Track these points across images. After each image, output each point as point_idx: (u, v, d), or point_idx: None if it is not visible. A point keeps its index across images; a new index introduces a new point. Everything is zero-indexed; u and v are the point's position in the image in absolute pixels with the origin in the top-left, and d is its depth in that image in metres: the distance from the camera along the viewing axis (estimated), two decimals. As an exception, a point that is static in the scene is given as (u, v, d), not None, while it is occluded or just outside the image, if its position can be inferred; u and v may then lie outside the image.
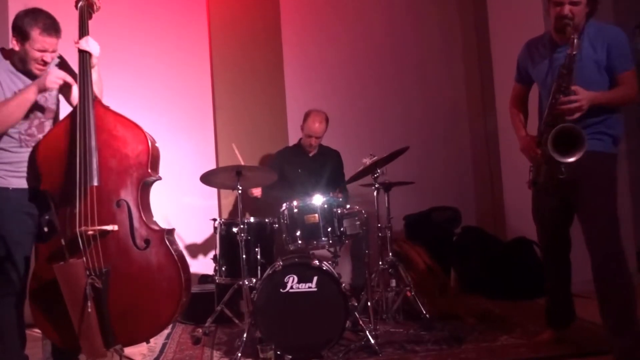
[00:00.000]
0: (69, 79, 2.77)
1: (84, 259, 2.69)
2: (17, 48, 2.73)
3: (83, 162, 2.74)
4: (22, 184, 2.79)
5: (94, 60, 2.87)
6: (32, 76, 2.79)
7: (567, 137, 2.56)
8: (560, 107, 2.60)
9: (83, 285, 2.63)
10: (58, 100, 2.96)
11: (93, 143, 2.77)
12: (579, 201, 2.75)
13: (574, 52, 2.54)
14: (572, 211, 2.86)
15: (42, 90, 2.74)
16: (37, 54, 2.72)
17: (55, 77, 2.73)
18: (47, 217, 2.73)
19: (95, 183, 2.75)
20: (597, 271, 2.67)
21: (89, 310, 2.62)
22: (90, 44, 2.86)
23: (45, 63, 2.76)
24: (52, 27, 2.72)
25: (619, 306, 2.63)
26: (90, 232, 2.72)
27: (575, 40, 2.53)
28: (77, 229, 2.70)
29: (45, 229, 2.73)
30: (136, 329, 2.80)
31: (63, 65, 2.97)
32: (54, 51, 2.77)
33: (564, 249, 2.99)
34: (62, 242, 2.65)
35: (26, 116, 2.77)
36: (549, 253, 3.07)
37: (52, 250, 2.75)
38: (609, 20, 4.43)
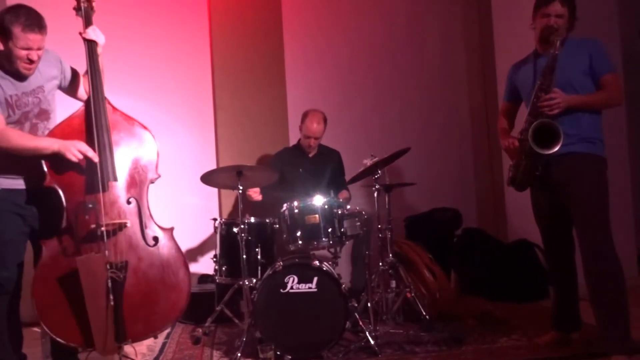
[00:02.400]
0: (91, 154, 2.73)
1: (106, 252, 2.72)
2: (1, 47, 2.63)
3: (102, 158, 2.76)
4: (12, 184, 2.75)
5: (99, 50, 2.87)
6: (21, 77, 2.71)
7: (546, 132, 2.75)
8: (541, 103, 2.78)
9: (104, 279, 2.67)
10: (54, 100, 2.93)
11: (107, 139, 2.79)
12: (571, 201, 2.84)
13: (557, 52, 2.74)
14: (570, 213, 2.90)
15: (60, 153, 2.69)
16: (22, 52, 2.61)
17: (77, 150, 2.70)
18: (62, 211, 2.73)
19: (114, 179, 2.79)
20: (588, 266, 2.77)
21: (112, 303, 2.66)
22: (97, 33, 2.87)
23: (31, 61, 2.65)
24: (34, 23, 2.60)
25: (610, 299, 2.72)
26: (103, 228, 2.73)
27: (558, 42, 2.74)
28: (96, 224, 2.72)
29: (64, 223, 2.74)
30: (146, 324, 2.84)
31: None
32: (39, 49, 2.66)
33: (566, 252, 3.02)
34: (80, 236, 2.68)
35: (17, 121, 2.73)
36: (551, 256, 3.12)
37: (62, 246, 2.76)
38: (612, 24, 4.45)
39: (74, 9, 2.93)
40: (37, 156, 2.72)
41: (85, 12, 2.93)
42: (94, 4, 2.95)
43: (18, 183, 2.77)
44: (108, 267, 2.69)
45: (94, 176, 2.76)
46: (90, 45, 2.85)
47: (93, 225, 2.73)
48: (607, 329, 2.74)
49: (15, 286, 2.78)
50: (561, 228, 2.99)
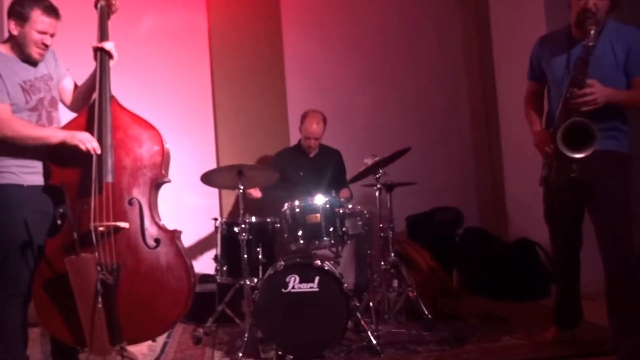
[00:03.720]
0: (96, 144, 2.74)
1: (96, 254, 2.69)
2: (15, 32, 2.69)
3: (98, 159, 2.75)
4: (36, 180, 2.77)
5: (111, 63, 2.88)
6: (32, 63, 2.76)
7: (579, 132, 2.51)
8: (574, 100, 2.54)
9: (94, 280, 2.64)
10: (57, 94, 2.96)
11: (109, 141, 2.78)
12: (592, 200, 2.72)
13: (591, 44, 2.48)
14: (584, 209, 2.83)
15: (68, 143, 2.70)
16: (37, 36, 2.69)
17: (83, 138, 2.70)
18: (61, 210, 2.70)
19: (110, 180, 2.77)
20: (609, 270, 2.65)
21: (99, 305, 2.62)
22: (113, 49, 2.89)
23: (45, 46, 2.73)
24: (52, 8, 2.71)
25: (628, 306, 2.62)
26: (102, 228, 2.72)
27: (592, 32, 2.47)
28: (91, 224, 2.71)
29: (59, 222, 2.70)
30: (143, 327, 2.80)
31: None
32: (53, 34, 2.74)
33: (575, 248, 2.96)
34: (75, 236, 2.64)
35: (35, 108, 2.76)
36: (560, 252, 3.04)
37: (61, 245, 2.74)
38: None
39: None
40: (42, 145, 2.73)
41: (101, 10, 2.94)
42: (114, 1, 2.96)
43: (40, 179, 2.78)
44: (99, 268, 2.66)
45: (91, 177, 2.75)
46: (103, 55, 2.85)
47: (89, 226, 2.72)
48: (622, 335, 2.62)
49: (28, 287, 2.77)
50: (572, 227, 2.90)
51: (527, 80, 3.04)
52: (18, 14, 2.67)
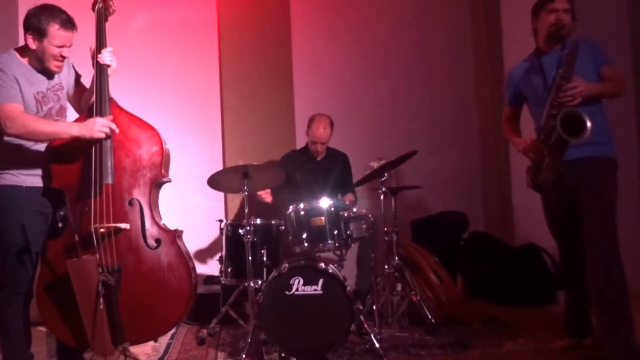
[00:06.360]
0: (114, 126, 2.77)
1: (97, 255, 2.70)
2: (33, 46, 2.71)
3: (98, 160, 2.76)
4: (35, 182, 2.79)
5: (110, 71, 2.89)
6: (49, 74, 2.79)
7: (571, 122, 2.66)
8: (564, 93, 2.68)
9: (95, 282, 2.64)
10: (66, 101, 2.99)
11: (108, 142, 2.79)
12: (581, 203, 2.80)
13: (576, 37, 2.65)
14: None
15: (84, 137, 2.73)
16: (56, 50, 2.71)
17: (101, 126, 2.72)
18: (62, 212, 2.70)
19: (110, 181, 2.78)
20: (592, 270, 2.76)
21: (101, 307, 2.63)
22: (112, 57, 2.88)
23: (63, 58, 2.77)
24: (68, 21, 2.73)
25: (612, 304, 2.70)
26: (102, 230, 2.73)
27: (579, 28, 2.65)
28: (91, 226, 2.72)
29: (60, 225, 2.71)
30: (145, 328, 2.81)
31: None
32: (70, 46, 2.77)
33: (579, 257, 2.96)
34: (76, 238, 2.65)
35: (43, 117, 2.77)
36: (564, 261, 3.09)
37: (63, 247, 2.76)
38: (622, 27, 4.42)
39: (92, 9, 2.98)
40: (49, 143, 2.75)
41: (98, 13, 2.94)
42: (111, 2, 2.95)
43: (39, 181, 2.80)
44: (100, 270, 2.67)
45: (91, 179, 2.76)
46: (101, 66, 2.86)
47: (90, 228, 2.73)
48: (609, 334, 2.72)
49: (29, 286, 2.79)
50: (573, 233, 2.93)
51: (505, 106, 3.22)
52: (35, 28, 2.68)
